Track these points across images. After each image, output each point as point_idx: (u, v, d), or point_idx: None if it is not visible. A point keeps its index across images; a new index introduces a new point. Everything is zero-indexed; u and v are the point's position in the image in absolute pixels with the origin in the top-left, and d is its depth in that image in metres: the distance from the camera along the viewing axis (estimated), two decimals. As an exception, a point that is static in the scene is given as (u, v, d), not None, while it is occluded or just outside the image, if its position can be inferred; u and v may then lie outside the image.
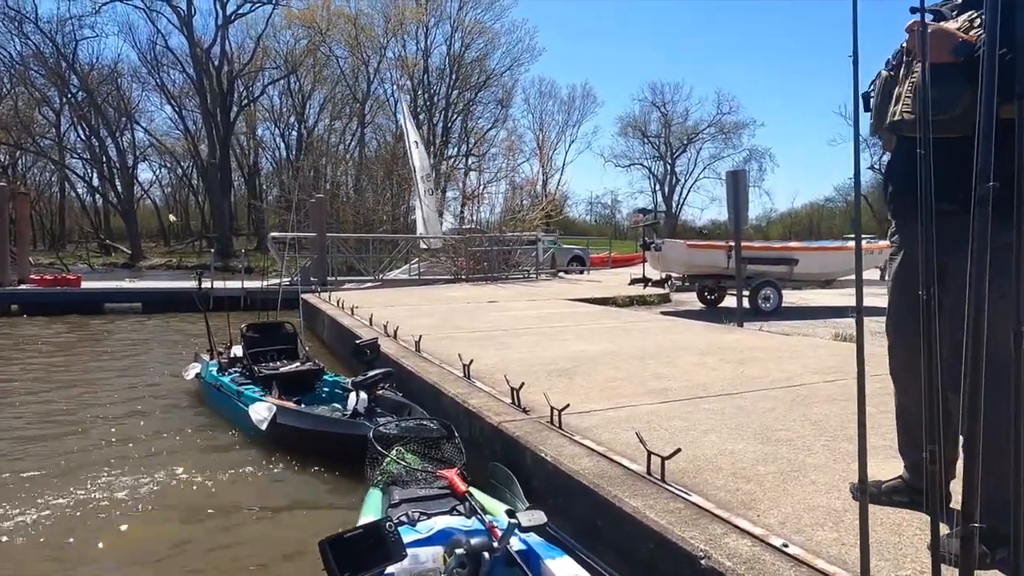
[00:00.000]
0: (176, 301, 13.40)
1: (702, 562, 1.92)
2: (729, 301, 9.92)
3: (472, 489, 2.72)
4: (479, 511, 2.45)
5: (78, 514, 3.58)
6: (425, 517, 2.43)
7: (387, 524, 1.91)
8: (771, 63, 76.00)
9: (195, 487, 3.99)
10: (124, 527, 3.45)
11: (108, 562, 3.13)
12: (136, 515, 3.59)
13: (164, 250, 41.52)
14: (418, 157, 18.68)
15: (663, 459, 2.45)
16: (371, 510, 2.70)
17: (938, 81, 1.63)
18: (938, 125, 1.48)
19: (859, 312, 1.49)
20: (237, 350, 6.15)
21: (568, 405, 3.28)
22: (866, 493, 1.43)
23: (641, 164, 54.99)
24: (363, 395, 4.58)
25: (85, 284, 14.97)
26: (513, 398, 3.68)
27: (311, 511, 3.73)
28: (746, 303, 8.13)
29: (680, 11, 75.91)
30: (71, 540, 3.32)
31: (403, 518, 2.40)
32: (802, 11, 71.99)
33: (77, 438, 5.03)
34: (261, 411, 4.63)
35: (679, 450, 2.46)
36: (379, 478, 2.99)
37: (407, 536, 2.18)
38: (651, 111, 53.38)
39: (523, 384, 3.70)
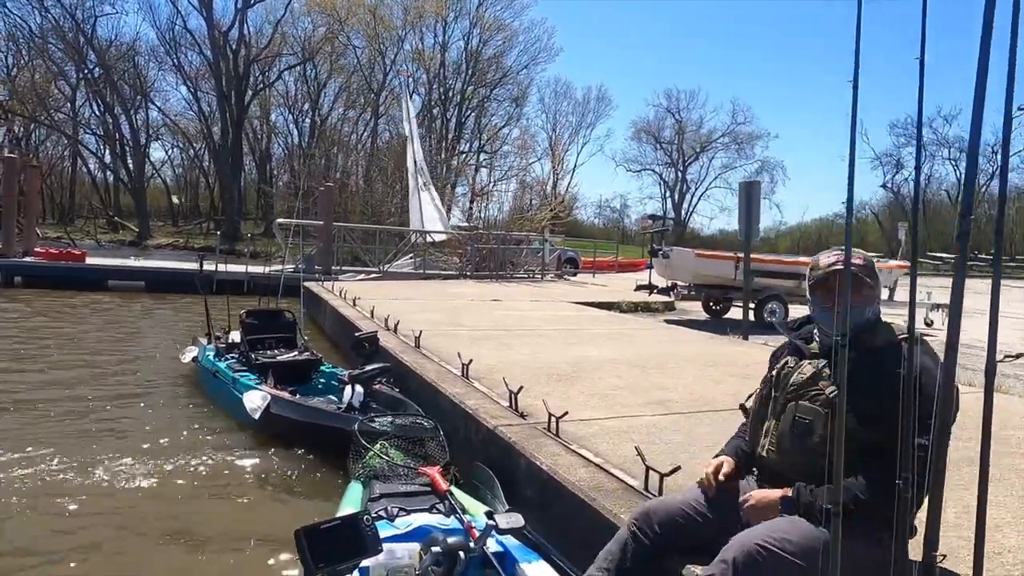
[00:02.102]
0: (180, 282, 13.38)
1: (697, 587, 1.85)
2: (734, 312, 9.82)
3: (453, 488, 2.72)
4: (458, 510, 2.45)
5: (64, 492, 3.53)
6: (404, 513, 2.43)
7: (365, 518, 1.89)
8: (787, 75, 75.66)
9: (182, 471, 3.94)
10: (109, 506, 3.41)
11: (93, 539, 3.09)
12: (121, 494, 3.54)
13: (172, 230, 41.56)
14: (417, 150, 18.65)
15: (662, 476, 2.37)
16: (351, 503, 2.69)
17: (798, 434, 1.87)
18: (797, 467, 1.84)
19: (843, 335, 1.46)
20: (235, 335, 6.09)
21: (567, 413, 3.20)
22: (839, 516, 1.40)
23: (652, 170, 54.83)
24: (359, 389, 4.50)
25: (90, 260, 14.95)
26: (511, 401, 3.61)
27: (297, 502, 3.67)
28: (751, 316, 8.03)
29: (698, 19, 75.62)
30: (55, 516, 3.28)
31: (382, 513, 2.39)
32: (819, 26, 71.62)
33: (67, 414, 4.98)
34: (255, 400, 4.56)
35: (679, 468, 2.37)
36: (361, 472, 2.96)
37: (384, 531, 2.18)
38: (665, 117, 53.22)
39: (521, 388, 3.62)
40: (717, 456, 2.07)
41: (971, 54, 1.20)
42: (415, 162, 18.25)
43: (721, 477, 1.97)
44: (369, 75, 39.37)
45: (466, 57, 40.69)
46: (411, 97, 22.20)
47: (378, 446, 3.08)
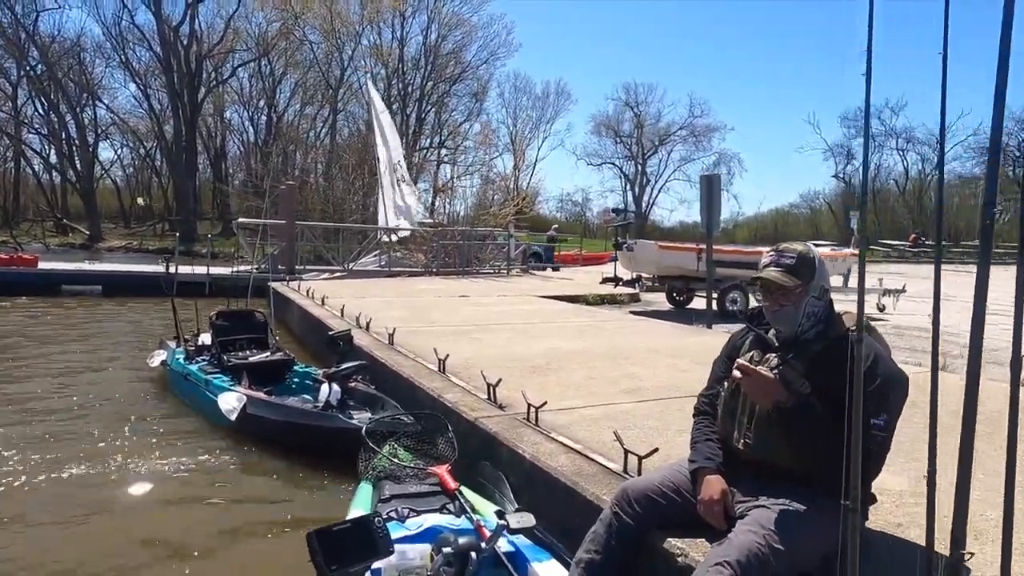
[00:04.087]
0: (138, 285, 13.07)
1: (679, 560, 1.97)
2: (697, 302, 10.08)
3: (462, 488, 2.73)
4: (468, 510, 2.46)
5: (33, 501, 3.49)
6: (415, 514, 2.44)
7: (376, 519, 1.91)
8: (743, 69, 77.18)
9: (160, 478, 3.92)
10: (83, 518, 3.38)
11: (67, 549, 3.07)
12: (97, 506, 3.52)
13: (124, 232, 40.30)
14: (391, 141, 18.08)
15: (640, 458, 2.50)
16: (361, 504, 2.70)
17: (773, 423, 1.90)
18: (776, 456, 1.92)
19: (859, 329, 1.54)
20: (205, 338, 6.04)
21: (546, 403, 3.31)
22: (857, 512, 1.45)
23: (613, 163, 55.36)
24: (335, 387, 4.54)
25: (42, 264, 14.46)
26: (489, 394, 3.71)
27: (278, 502, 3.69)
28: (715, 305, 8.27)
29: (655, 13, 76.60)
30: (23, 524, 3.25)
31: (392, 514, 2.40)
32: (773, 21, 73.26)
33: (31, 425, 4.88)
34: (231, 401, 4.56)
35: (656, 450, 2.51)
36: (370, 472, 2.97)
37: (395, 532, 2.18)
38: (624, 111, 53.74)
39: (499, 380, 3.72)
40: (696, 469, 2.04)
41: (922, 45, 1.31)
42: (388, 158, 17.74)
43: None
44: (326, 71, 38.77)
45: (425, 52, 40.40)
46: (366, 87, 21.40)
47: (387, 448, 3.05)
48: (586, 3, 77.34)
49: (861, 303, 1.42)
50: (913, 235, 33.69)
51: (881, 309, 10.42)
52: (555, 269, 20.04)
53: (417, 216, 17.25)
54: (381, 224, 16.97)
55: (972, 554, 1.47)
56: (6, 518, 3.33)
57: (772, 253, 2.05)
